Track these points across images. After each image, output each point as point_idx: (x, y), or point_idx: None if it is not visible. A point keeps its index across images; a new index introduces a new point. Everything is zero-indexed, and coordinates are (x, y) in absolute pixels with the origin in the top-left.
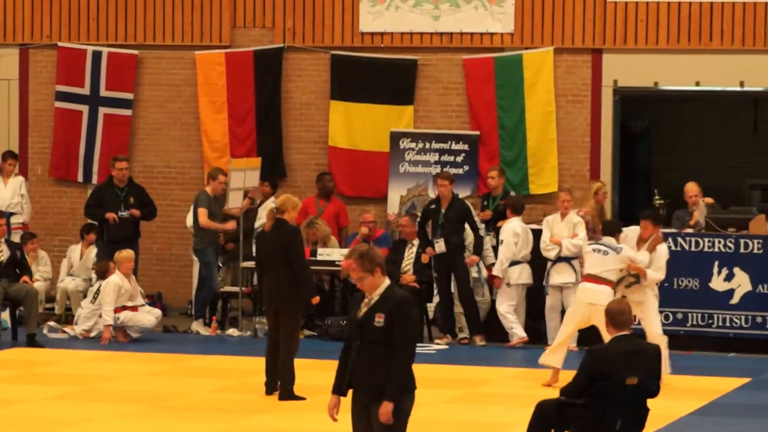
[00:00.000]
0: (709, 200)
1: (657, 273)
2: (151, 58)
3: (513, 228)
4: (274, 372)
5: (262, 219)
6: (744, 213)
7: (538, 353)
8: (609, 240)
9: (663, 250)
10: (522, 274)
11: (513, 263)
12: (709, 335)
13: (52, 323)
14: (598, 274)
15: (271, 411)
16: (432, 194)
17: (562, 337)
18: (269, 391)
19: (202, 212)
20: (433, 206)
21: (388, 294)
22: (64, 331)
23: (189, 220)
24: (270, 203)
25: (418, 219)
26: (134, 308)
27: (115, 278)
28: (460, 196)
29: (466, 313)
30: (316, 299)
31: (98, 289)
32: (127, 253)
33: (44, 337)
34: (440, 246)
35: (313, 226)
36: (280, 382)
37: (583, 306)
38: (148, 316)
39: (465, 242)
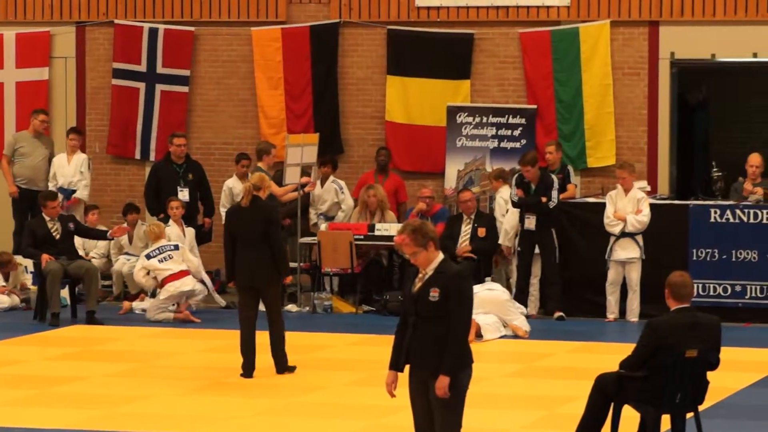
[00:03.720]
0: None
1: None
2: (207, 34)
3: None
4: (254, 354)
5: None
6: None
7: (598, 326)
8: None
9: None
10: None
11: None
12: None
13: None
14: None
15: (328, 387)
16: (489, 168)
17: None
18: (249, 374)
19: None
20: (525, 180)
21: (442, 268)
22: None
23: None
24: (330, 182)
25: (514, 183)
26: (180, 274)
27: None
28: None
29: (550, 288)
30: (289, 279)
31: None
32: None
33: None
34: (530, 222)
35: (372, 187)
36: (280, 358)
37: None
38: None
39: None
